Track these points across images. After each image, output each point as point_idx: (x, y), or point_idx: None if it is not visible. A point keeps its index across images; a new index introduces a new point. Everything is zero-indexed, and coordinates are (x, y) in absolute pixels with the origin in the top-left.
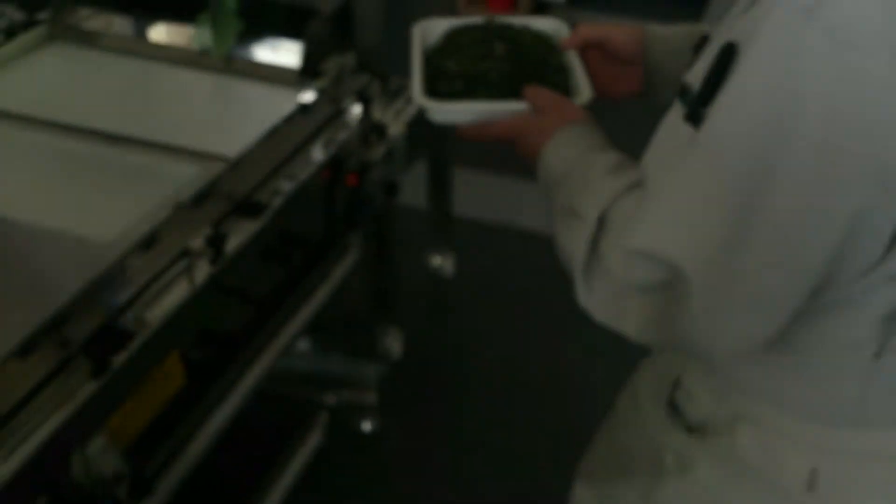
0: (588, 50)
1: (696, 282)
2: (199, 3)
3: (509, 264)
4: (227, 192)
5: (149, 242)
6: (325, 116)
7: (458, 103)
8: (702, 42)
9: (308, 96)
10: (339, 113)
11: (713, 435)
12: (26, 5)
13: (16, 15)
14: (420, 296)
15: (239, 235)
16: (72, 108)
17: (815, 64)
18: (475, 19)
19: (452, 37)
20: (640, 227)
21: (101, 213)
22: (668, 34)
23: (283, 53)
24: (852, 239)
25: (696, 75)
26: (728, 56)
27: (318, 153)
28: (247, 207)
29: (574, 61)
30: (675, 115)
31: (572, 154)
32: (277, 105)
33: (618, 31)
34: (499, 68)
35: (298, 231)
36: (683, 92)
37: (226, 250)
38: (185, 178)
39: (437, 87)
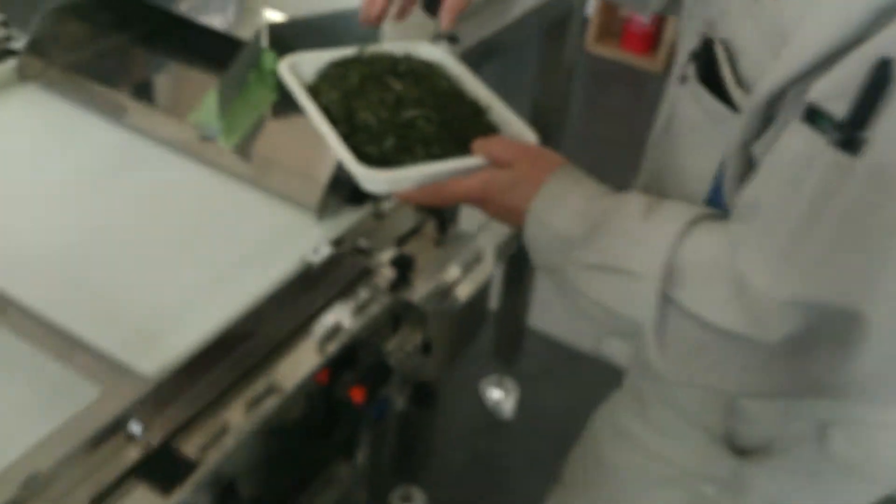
0: None
1: (880, 326)
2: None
3: (589, 409)
4: (125, 444)
5: None
6: (341, 281)
7: (408, 169)
8: None
9: (322, 247)
10: (366, 274)
11: (781, 451)
12: (15, 21)
13: None
14: (465, 440)
15: None
16: None
17: None
18: (346, 52)
19: (333, 75)
20: (789, 275)
21: None
22: None
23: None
24: None
25: (830, 95)
26: (884, 73)
27: (311, 354)
28: (153, 472)
29: (492, 98)
30: (802, 141)
31: (579, 206)
32: (280, 250)
33: None
34: (425, 115)
35: (251, 487)
36: (814, 115)
37: None
38: (72, 409)
39: (363, 147)
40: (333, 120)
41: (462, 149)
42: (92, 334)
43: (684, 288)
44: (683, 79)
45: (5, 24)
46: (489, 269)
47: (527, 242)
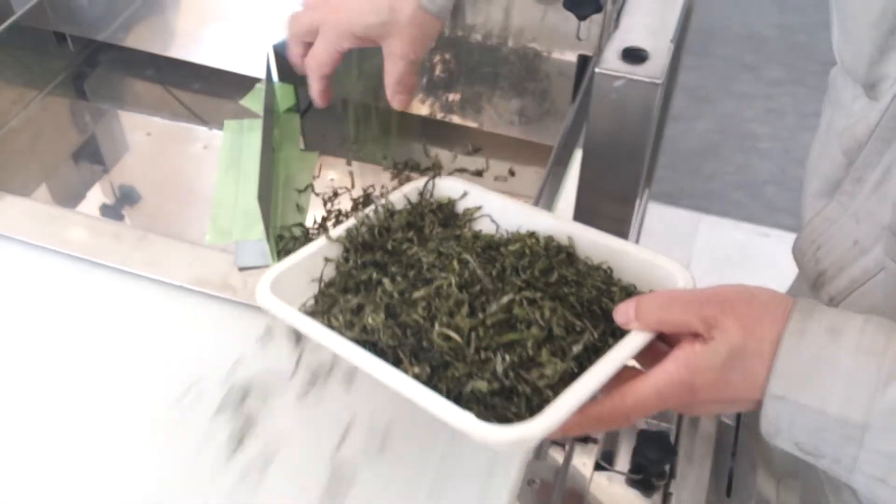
0: None
1: None
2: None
3: None
4: None
5: None
6: None
7: (559, 403)
8: None
9: None
10: None
11: None
12: None
13: None
14: None
15: None
16: None
17: None
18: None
19: (342, 280)
20: None
21: None
22: None
23: None
24: None
25: None
26: None
27: None
28: None
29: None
30: None
31: (854, 373)
32: None
33: None
34: (529, 297)
35: None
36: None
37: None
38: None
39: (461, 385)
40: (386, 357)
41: (582, 330)
42: None
43: None
44: None
45: None
46: None
47: (769, 432)
